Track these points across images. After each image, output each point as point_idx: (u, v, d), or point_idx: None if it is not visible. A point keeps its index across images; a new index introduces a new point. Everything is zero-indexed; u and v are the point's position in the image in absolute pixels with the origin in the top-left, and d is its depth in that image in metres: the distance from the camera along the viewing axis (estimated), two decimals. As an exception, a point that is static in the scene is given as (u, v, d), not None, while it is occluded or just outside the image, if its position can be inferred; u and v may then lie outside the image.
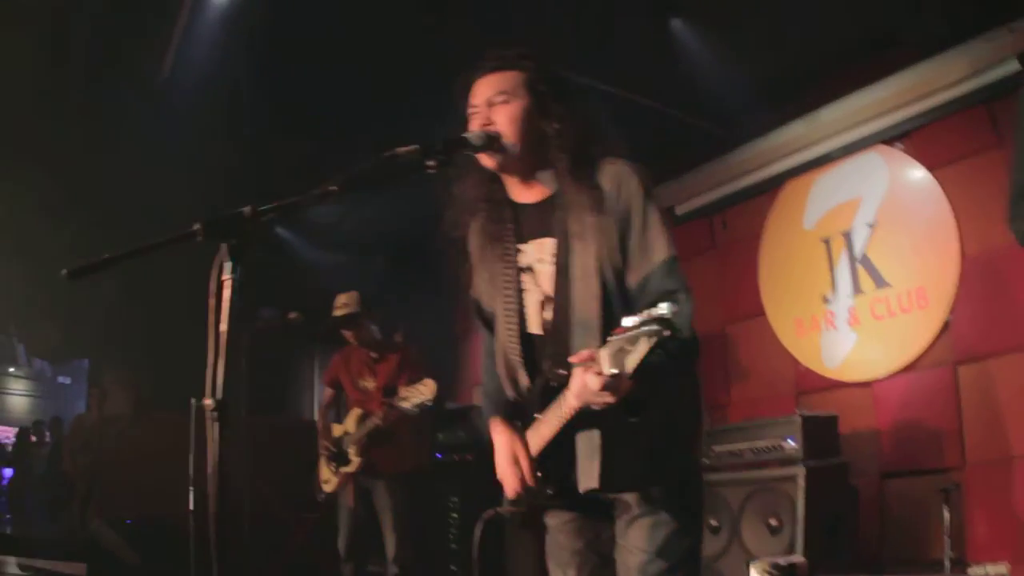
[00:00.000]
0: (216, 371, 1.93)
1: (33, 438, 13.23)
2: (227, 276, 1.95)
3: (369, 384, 5.85)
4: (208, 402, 1.90)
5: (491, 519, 2.59)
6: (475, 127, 2.36)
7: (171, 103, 6.04)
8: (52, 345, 13.41)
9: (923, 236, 5.46)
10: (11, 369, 17.37)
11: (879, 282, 5.66)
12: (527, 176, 2.44)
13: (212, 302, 1.95)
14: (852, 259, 5.85)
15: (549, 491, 2.38)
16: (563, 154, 2.36)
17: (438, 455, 7.14)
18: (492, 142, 2.33)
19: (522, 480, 2.39)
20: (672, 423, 2.31)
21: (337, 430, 5.86)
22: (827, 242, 6.03)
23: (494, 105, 2.37)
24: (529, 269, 2.45)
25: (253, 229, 1.99)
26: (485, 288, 2.60)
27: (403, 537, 5.61)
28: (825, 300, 6.00)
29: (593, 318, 2.27)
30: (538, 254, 2.44)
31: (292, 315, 6.19)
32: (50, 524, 10.19)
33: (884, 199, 5.72)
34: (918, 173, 5.56)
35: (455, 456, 7.04)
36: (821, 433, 5.01)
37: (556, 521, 2.52)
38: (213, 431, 1.89)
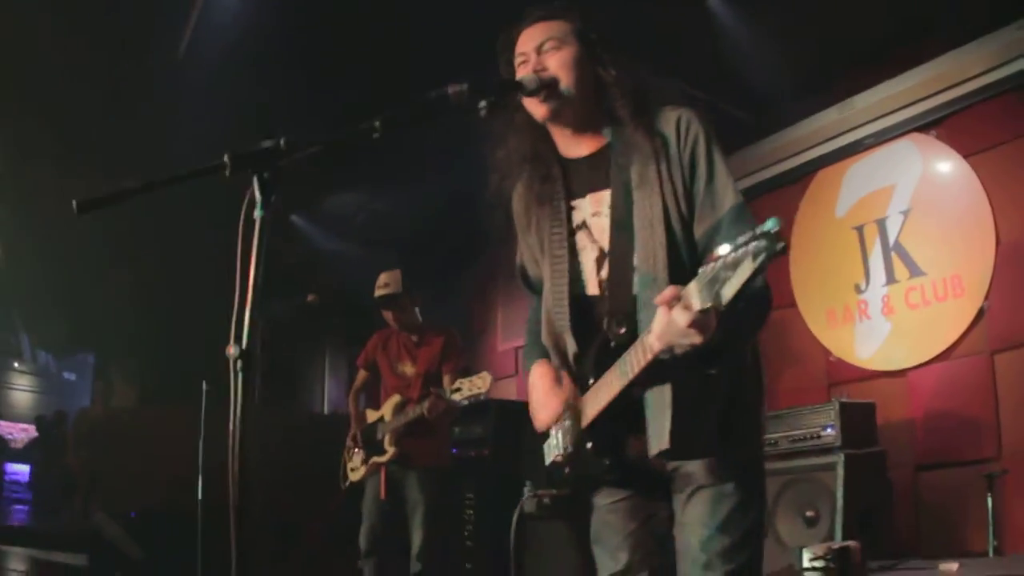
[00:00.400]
0: (243, 318, 1.75)
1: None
2: (257, 214, 1.78)
3: (408, 369, 5.54)
4: (231, 350, 1.71)
5: (531, 500, 2.40)
6: (525, 73, 2.22)
7: (194, 68, 5.88)
8: (58, 337, 13.35)
9: (957, 223, 5.34)
10: (16, 364, 17.20)
11: (914, 270, 5.53)
12: (580, 126, 2.28)
13: (240, 242, 1.78)
14: (886, 247, 5.71)
15: (606, 461, 2.16)
16: (623, 101, 2.20)
17: (453, 450, 6.91)
18: (547, 86, 2.19)
19: (567, 456, 2.21)
20: (741, 388, 2.14)
21: (371, 416, 5.60)
22: (860, 230, 5.89)
23: (544, 52, 2.23)
24: (583, 226, 2.28)
25: (286, 164, 1.82)
26: (532, 253, 2.45)
27: (430, 533, 5.29)
28: (858, 289, 5.86)
29: (660, 270, 2.07)
30: (594, 208, 2.27)
31: (310, 297, 6.00)
32: (53, 516, 10.09)
33: (918, 186, 5.60)
34: (952, 160, 5.45)
35: (471, 452, 6.78)
36: (859, 421, 4.88)
37: (606, 500, 2.30)
38: (236, 383, 1.70)
